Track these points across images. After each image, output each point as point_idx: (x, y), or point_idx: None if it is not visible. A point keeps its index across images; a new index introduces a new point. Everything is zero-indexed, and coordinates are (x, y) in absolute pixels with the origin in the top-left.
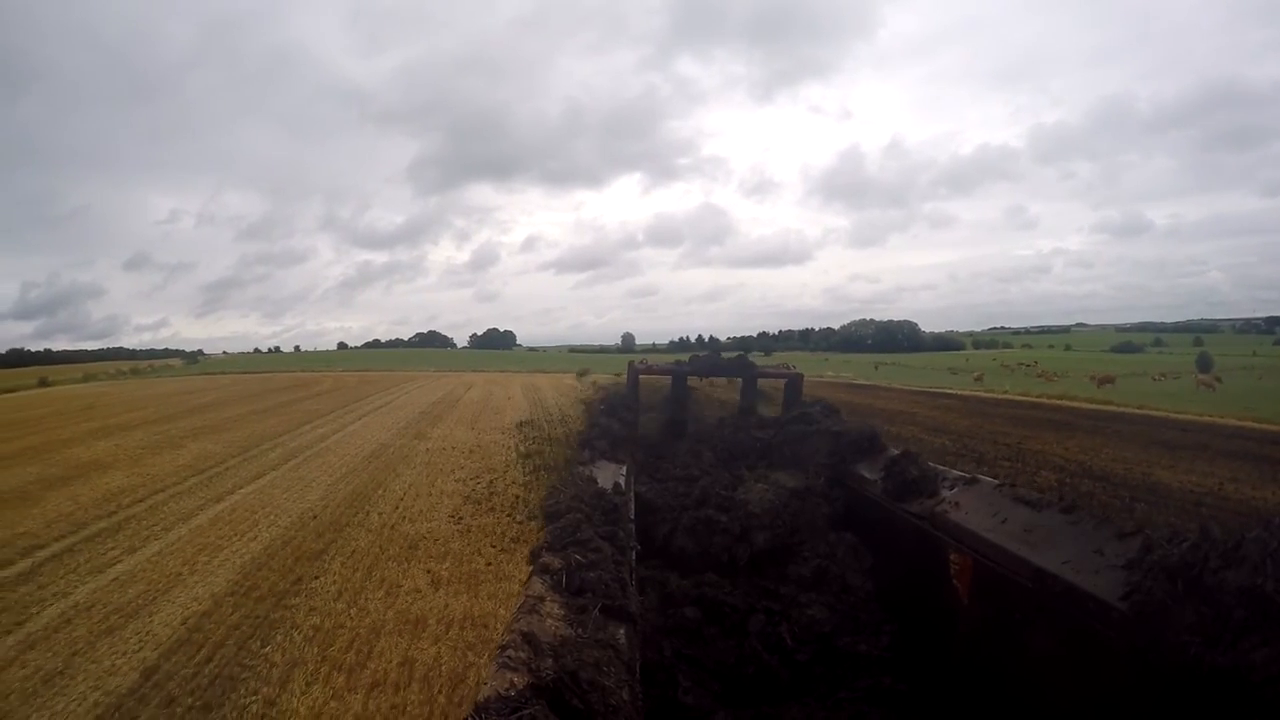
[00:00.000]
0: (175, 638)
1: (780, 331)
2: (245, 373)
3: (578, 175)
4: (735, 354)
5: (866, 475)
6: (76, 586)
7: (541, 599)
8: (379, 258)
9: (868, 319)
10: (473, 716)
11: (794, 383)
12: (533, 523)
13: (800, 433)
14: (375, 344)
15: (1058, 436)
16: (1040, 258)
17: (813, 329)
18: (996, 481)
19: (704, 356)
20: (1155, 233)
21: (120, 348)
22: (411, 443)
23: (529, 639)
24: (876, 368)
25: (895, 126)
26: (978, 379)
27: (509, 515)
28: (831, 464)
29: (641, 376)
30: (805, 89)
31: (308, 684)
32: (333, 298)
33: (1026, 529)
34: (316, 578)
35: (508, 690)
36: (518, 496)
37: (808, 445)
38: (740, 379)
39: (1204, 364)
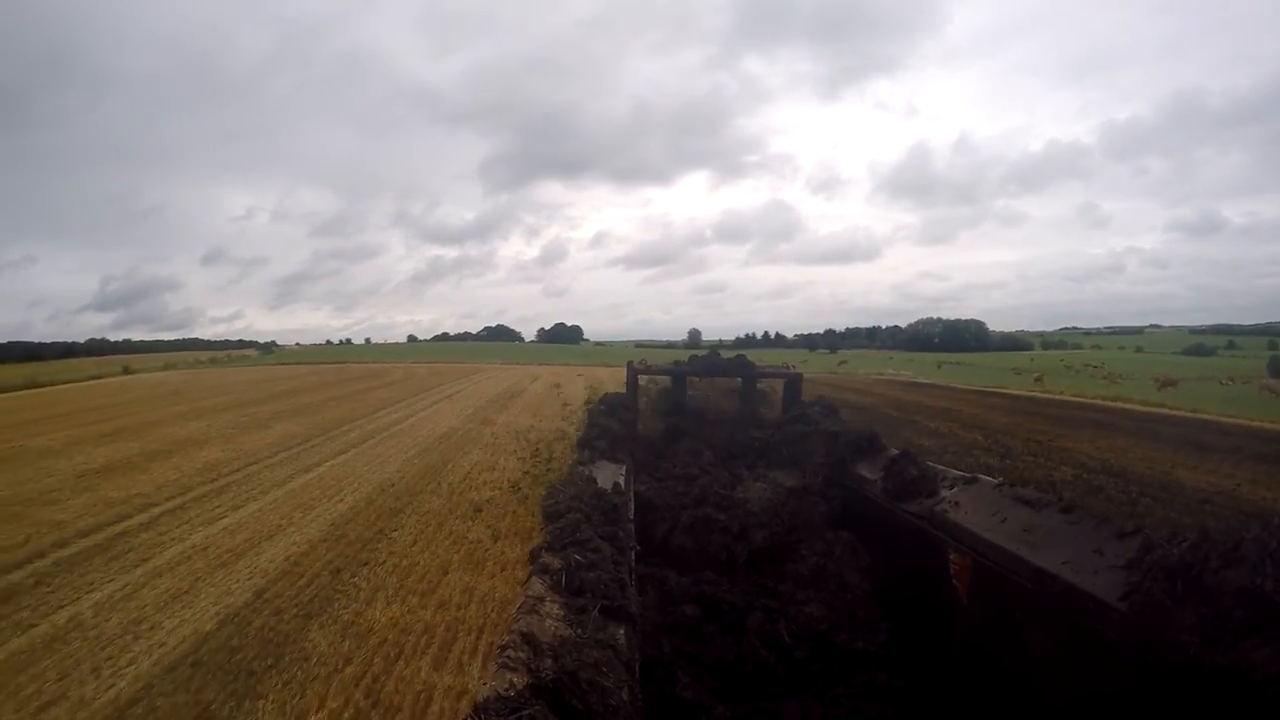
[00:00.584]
0: (279, 570)
1: (847, 329)
2: (319, 363)
3: (646, 172)
4: (735, 354)
5: (866, 475)
6: (191, 534)
7: (541, 599)
8: (449, 253)
9: (935, 318)
10: (472, 716)
11: (793, 383)
12: None
13: (798, 433)
14: (444, 337)
15: (1093, 436)
16: (1113, 256)
17: (879, 327)
18: (996, 481)
19: (704, 356)
20: (1231, 231)
21: (196, 338)
22: (478, 426)
23: (529, 639)
24: (939, 366)
25: (963, 122)
26: (1037, 379)
27: None
28: (829, 464)
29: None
30: (872, 85)
31: (388, 602)
32: (403, 291)
33: (1026, 529)
34: (395, 530)
35: (507, 690)
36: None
37: (806, 445)
38: (740, 379)
39: (1276, 368)
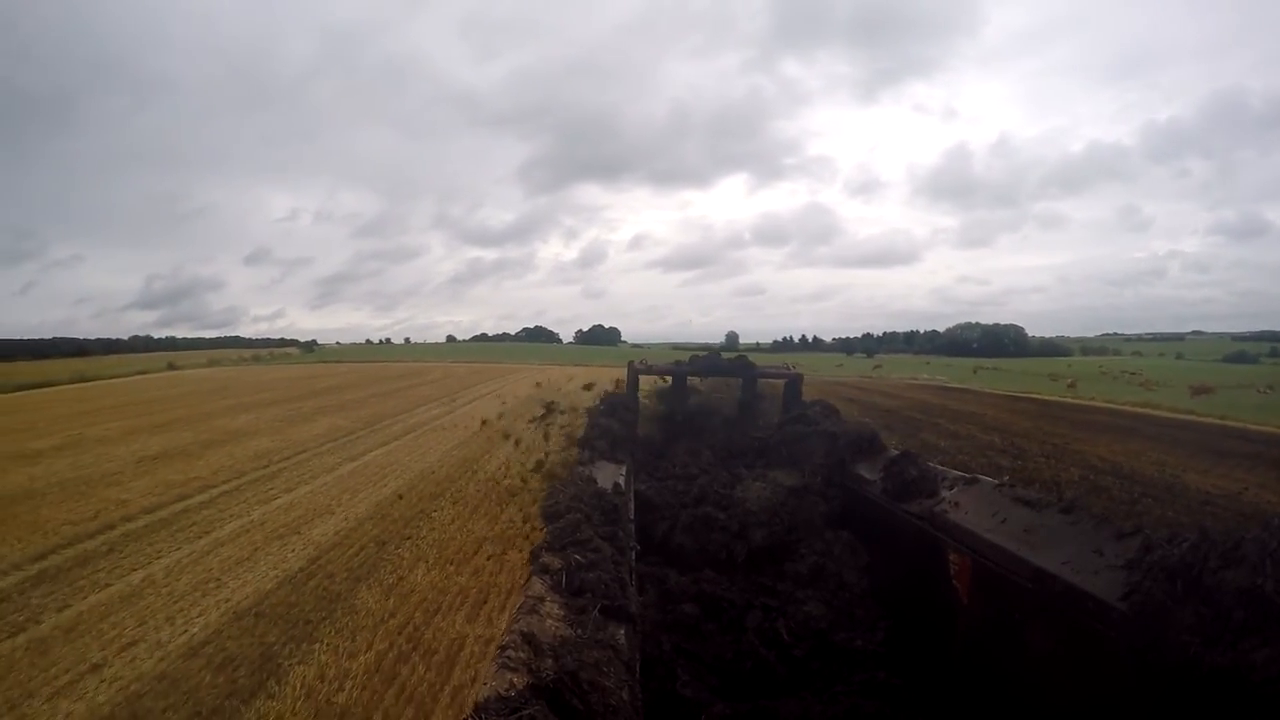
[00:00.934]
0: (330, 542)
1: (884, 333)
2: (360, 362)
3: (684, 175)
4: (735, 355)
5: (866, 475)
6: (248, 512)
7: (541, 599)
8: (489, 254)
9: (973, 322)
10: (472, 716)
11: (793, 383)
12: None
13: (797, 433)
14: (483, 337)
15: (1111, 440)
16: (1155, 260)
17: (917, 331)
18: (996, 481)
19: (704, 357)
20: (1275, 234)
21: (237, 336)
22: (514, 422)
23: (529, 639)
24: (975, 371)
25: (1002, 124)
26: (1070, 385)
27: None
28: (828, 464)
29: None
30: (909, 87)
31: (428, 570)
32: (443, 292)
33: (1026, 529)
34: (435, 511)
35: (507, 690)
36: None
37: (804, 446)
38: (740, 379)
39: None
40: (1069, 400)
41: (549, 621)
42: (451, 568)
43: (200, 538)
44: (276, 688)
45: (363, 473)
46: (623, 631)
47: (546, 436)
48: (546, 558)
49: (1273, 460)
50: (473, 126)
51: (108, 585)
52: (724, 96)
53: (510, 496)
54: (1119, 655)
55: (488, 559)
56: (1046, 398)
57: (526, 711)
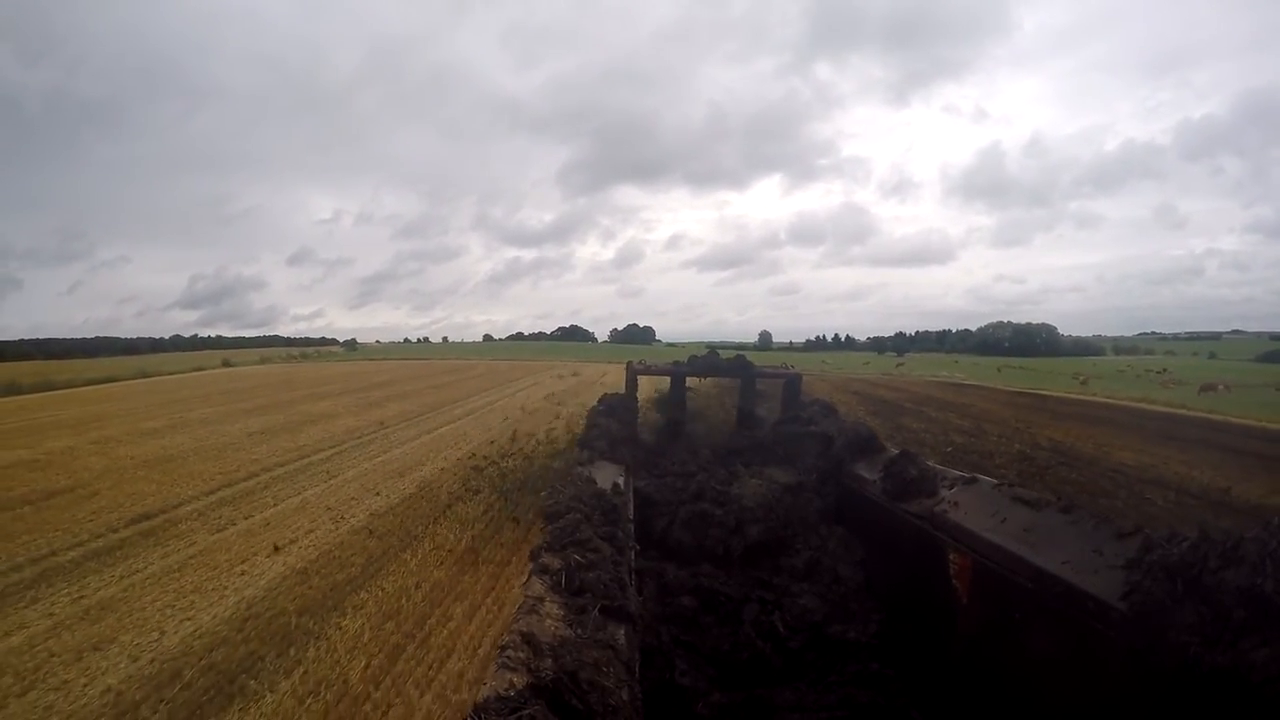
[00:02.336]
0: (428, 480)
1: (917, 332)
2: (403, 359)
3: (721, 176)
4: (734, 354)
5: (866, 475)
6: (359, 464)
7: (541, 599)
8: (527, 254)
9: (1005, 321)
10: (472, 716)
11: (792, 383)
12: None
13: (794, 433)
14: (519, 336)
15: (1074, 426)
16: (1193, 259)
17: (950, 330)
18: (996, 481)
19: (703, 357)
20: None
21: (276, 335)
22: (554, 406)
23: (528, 639)
24: (999, 370)
25: (1035, 124)
26: (1083, 382)
27: None
28: (824, 463)
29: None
30: (942, 89)
31: (498, 499)
32: (481, 292)
33: (1026, 529)
34: (503, 460)
35: (507, 690)
36: None
37: (801, 445)
38: (739, 379)
39: None
40: (1072, 396)
41: (548, 621)
42: (513, 500)
43: (329, 479)
44: (409, 555)
45: (439, 441)
46: (622, 631)
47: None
48: (546, 558)
49: (1218, 445)
50: (513, 131)
51: (275, 505)
52: (760, 99)
53: (557, 453)
54: (1119, 655)
55: (541, 492)
56: (1050, 393)
57: (526, 711)
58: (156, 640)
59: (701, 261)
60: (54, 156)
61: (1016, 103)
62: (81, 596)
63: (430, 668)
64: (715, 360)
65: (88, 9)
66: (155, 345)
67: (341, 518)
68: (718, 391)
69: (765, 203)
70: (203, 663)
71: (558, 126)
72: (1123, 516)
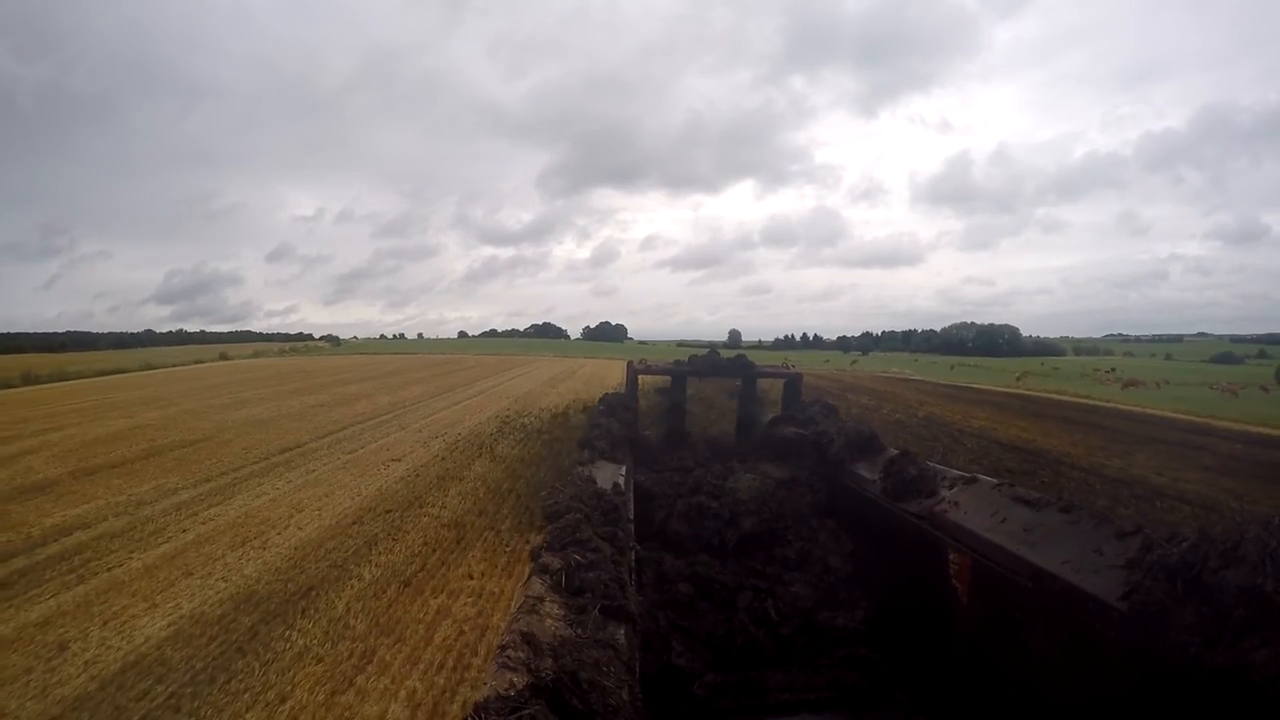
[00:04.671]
0: (472, 430)
1: (884, 332)
2: (391, 354)
3: (696, 180)
4: (735, 354)
5: (866, 475)
6: (411, 424)
7: (541, 599)
8: (504, 253)
9: (969, 322)
10: (472, 716)
11: (793, 382)
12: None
13: (791, 432)
14: (492, 333)
15: (966, 407)
16: (1157, 263)
17: (915, 330)
18: (995, 481)
19: (703, 356)
20: (1272, 238)
21: (248, 330)
22: (546, 389)
23: (529, 639)
24: (952, 368)
25: (1000, 135)
26: (1018, 379)
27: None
28: (819, 460)
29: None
30: (910, 102)
31: (512, 447)
32: (456, 289)
33: (1025, 528)
34: (509, 435)
35: (507, 690)
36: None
37: (797, 443)
38: (739, 379)
39: None
40: (998, 388)
41: (549, 621)
42: (518, 463)
43: (390, 434)
44: (477, 464)
45: (459, 415)
46: (622, 631)
47: (575, 394)
48: (546, 557)
49: (1081, 423)
50: (494, 136)
51: (375, 441)
52: (737, 108)
53: (553, 424)
54: (1119, 655)
55: (547, 456)
56: (981, 386)
57: (526, 711)
58: (353, 496)
59: (675, 261)
60: (44, 152)
61: (982, 114)
62: (287, 481)
63: (519, 498)
64: (716, 359)
65: (88, 9)
66: (119, 340)
67: (427, 443)
68: (716, 391)
69: (739, 205)
70: (376, 509)
71: (541, 132)
72: (931, 454)
